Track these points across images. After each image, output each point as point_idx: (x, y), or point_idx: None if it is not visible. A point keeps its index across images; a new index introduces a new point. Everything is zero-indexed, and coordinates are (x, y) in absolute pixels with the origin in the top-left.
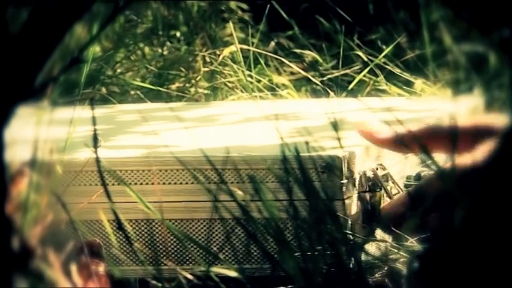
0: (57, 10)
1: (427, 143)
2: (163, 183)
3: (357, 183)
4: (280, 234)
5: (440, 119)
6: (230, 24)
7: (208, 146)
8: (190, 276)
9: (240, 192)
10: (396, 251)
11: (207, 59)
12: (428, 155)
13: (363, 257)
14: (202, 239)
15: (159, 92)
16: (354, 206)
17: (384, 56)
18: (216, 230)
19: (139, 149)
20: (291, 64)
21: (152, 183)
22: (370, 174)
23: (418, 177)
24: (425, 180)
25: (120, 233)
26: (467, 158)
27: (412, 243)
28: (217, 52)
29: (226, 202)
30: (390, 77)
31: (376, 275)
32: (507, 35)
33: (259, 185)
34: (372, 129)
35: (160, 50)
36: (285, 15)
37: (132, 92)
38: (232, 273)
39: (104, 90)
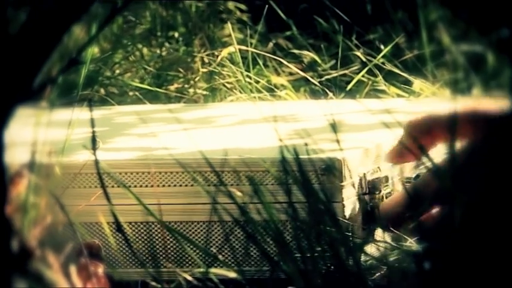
0: (56, 11)
1: (428, 134)
2: (163, 186)
3: (356, 185)
4: (279, 236)
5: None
6: (228, 25)
7: (207, 148)
8: (189, 278)
9: (239, 194)
10: (395, 251)
11: (206, 60)
12: (423, 151)
13: (362, 258)
14: (202, 241)
15: (158, 93)
16: (353, 207)
17: (382, 56)
18: (215, 232)
19: (138, 151)
20: (289, 65)
21: (152, 186)
22: (369, 176)
23: (417, 178)
24: (422, 178)
25: (119, 235)
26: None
27: (411, 243)
28: (216, 53)
29: (225, 204)
30: (389, 77)
31: (376, 276)
32: (506, 35)
33: (258, 186)
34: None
35: (158, 51)
36: (283, 16)
37: (131, 93)
38: (232, 275)
39: (102, 91)
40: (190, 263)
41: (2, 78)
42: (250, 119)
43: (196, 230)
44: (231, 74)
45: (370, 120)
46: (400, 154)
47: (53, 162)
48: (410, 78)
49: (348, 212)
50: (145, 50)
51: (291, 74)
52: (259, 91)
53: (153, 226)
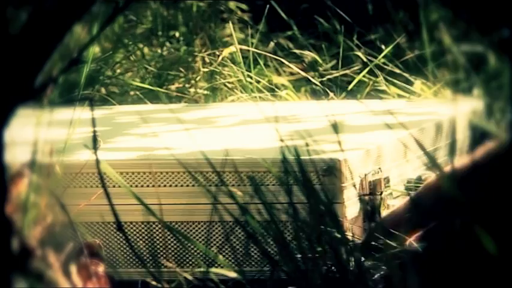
0: (57, 11)
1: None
2: (164, 186)
3: (357, 185)
4: (280, 236)
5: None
6: (230, 25)
7: (208, 148)
8: (190, 278)
9: (239, 194)
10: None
11: (207, 60)
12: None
13: (363, 258)
14: (202, 241)
15: (159, 92)
16: (354, 208)
17: (383, 57)
18: (216, 232)
19: (139, 151)
20: (290, 64)
21: (153, 186)
22: (370, 177)
23: (419, 180)
24: (425, 187)
25: (120, 234)
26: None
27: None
28: (217, 52)
29: (226, 204)
30: (390, 77)
31: (376, 276)
32: (506, 35)
33: (259, 187)
34: None
35: (159, 51)
36: (284, 16)
37: (132, 93)
38: (232, 275)
39: (103, 90)
40: (191, 262)
41: (3, 77)
42: (251, 120)
43: (197, 230)
44: (232, 74)
45: (371, 121)
46: None
47: (53, 161)
48: (411, 78)
49: (348, 213)
50: (146, 50)
51: (291, 73)
52: (260, 91)
53: (153, 226)
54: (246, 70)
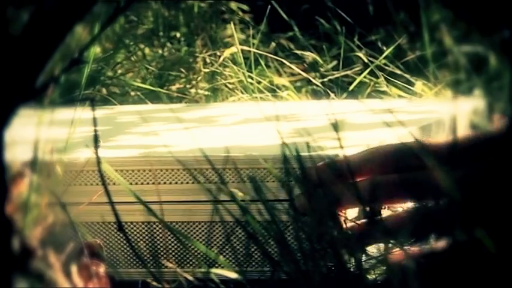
0: (58, 11)
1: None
2: (164, 183)
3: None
4: (280, 236)
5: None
6: (231, 25)
7: (209, 147)
8: (190, 278)
9: (240, 194)
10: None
11: (208, 60)
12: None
13: (363, 258)
14: (203, 241)
15: (160, 93)
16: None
17: (384, 57)
18: (217, 232)
19: (139, 149)
20: (291, 65)
21: (153, 183)
22: None
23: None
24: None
25: (121, 234)
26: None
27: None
28: (218, 53)
29: (226, 204)
30: (391, 78)
31: (376, 276)
32: (508, 36)
33: (260, 186)
34: None
35: (160, 51)
36: (285, 16)
37: (133, 93)
38: (233, 275)
39: (104, 91)
40: (191, 263)
41: (5, 77)
42: (252, 118)
43: (197, 230)
44: (233, 75)
45: (372, 119)
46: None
47: (54, 161)
48: (412, 79)
49: (349, 213)
50: (147, 50)
51: (292, 74)
52: (261, 91)
53: (154, 226)
54: (247, 71)
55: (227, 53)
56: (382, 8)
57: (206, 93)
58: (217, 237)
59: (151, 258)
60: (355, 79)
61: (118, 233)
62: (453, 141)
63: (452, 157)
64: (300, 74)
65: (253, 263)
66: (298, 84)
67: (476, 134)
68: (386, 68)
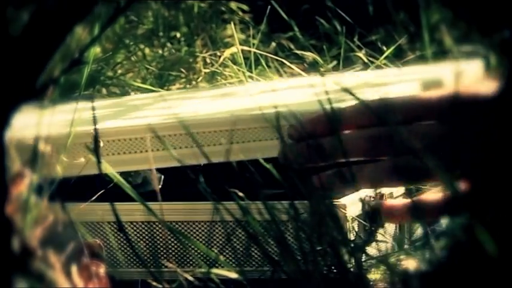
0: (59, 11)
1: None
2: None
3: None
4: (280, 236)
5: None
6: (231, 25)
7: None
8: (191, 278)
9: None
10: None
11: (208, 60)
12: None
13: (364, 258)
14: (203, 241)
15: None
16: (355, 207)
17: (384, 57)
18: (217, 232)
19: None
20: (291, 65)
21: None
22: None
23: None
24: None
25: (121, 234)
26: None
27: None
28: (218, 53)
29: (227, 204)
30: None
31: (377, 277)
32: (507, 36)
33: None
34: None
35: (160, 51)
36: (285, 16)
37: (133, 93)
38: (233, 275)
39: (104, 91)
40: (191, 263)
41: (5, 78)
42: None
43: (197, 230)
44: (233, 75)
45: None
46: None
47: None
48: None
49: (349, 213)
50: (147, 50)
51: (293, 74)
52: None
53: (154, 226)
54: (247, 71)
55: (227, 53)
56: (382, 8)
57: None
58: (218, 237)
59: (151, 258)
60: None
61: (118, 232)
62: (448, 95)
63: (443, 112)
64: (300, 73)
65: (253, 263)
66: None
67: (471, 92)
68: (387, 68)
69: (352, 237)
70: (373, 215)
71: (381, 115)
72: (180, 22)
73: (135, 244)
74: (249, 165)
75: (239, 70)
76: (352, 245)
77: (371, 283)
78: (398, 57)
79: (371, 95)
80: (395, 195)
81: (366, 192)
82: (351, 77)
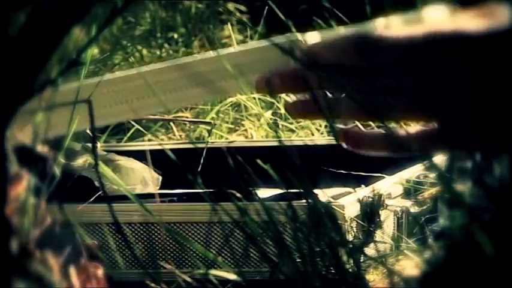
0: (56, 13)
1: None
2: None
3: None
4: (279, 237)
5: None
6: (228, 26)
7: None
8: (189, 279)
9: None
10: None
11: None
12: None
13: (362, 259)
14: (201, 242)
15: None
16: (353, 208)
17: None
18: (215, 233)
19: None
20: None
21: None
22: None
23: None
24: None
25: (119, 235)
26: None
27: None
28: None
29: (225, 205)
30: None
31: (375, 278)
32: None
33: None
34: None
35: (158, 52)
36: (282, 17)
37: None
38: (231, 276)
39: None
40: (189, 264)
41: (3, 79)
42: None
43: (196, 231)
44: None
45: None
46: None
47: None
48: None
49: (347, 213)
50: (144, 51)
51: None
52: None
53: (152, 227)
54: None
55: None
56: (379, 8)
57: None
58: (216, 238)
59: (149, 259)
60: None
61: (116, 234)
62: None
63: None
64: None
65: (252, 264)
66: None
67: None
68: None
69: (350, 237)
70: (371, 216)
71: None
72: (178, 23)
73: (133, 245)
74: (246, 166)
75: None
76: (351, 245)
77: (369, 284)
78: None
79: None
80: (393, 196)
81: (364, 193)
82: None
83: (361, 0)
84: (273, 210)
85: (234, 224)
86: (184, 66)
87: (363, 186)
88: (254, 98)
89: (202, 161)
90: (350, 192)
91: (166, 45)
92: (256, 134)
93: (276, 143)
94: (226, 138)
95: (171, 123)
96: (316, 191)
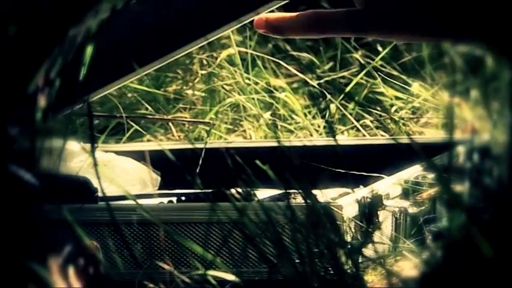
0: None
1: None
2: None
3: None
4: (277, 238)
5: None
6: None
7: None
8: (187, 280)
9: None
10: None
11: (205, 62)
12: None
13: (360, 260)
14: (200, 243)
15: (156, 94)
16: (351, 208)
17: (381, 59)
18: (214, 234)
19: None
20: (288, 66)
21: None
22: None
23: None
24: None
25: (118, 236)
26: None
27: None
28: (215, 54)
29: (223, 205)
30: (387, 79)
31: (374, 278)
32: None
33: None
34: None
35: None
36: None
37: (129, 95)
38: (230, 277)
39: None
40: (188, 264)
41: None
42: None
43: (194, 232)
44: (230, 76)
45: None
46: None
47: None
48: (409, 80)
49: (346, 214)
50: None
51: (289, 75)
52: (258, 93)
53: (151, 227)
54: (244, 72)
55: (224, 54)
56: None
57: (203, 94)
58: (215, 239)
59: (147, 259)
60: (351, 80)
61: (115, 234)
62: None
63: None
64: (296, 75)
65: (250, 265)
66: (295, 85)
67: None
68: (383, 69)
69: (348, 238)
70: (370, 216)
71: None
72: None
73: (132, 245)
74: (245, 166)
75: (236, 71)
76: (349, 246)
77: (368, 284)
78: (394, 59)
79: None
80: (392, 196)
81: (362, 194)
82: None
83: None
84: (272, 210)
85: (232, 225)
86: None
87: (361, 186)
88: (253, 99)
89: (201, 161)
90: (348, 193)
91: None
92: (255, 134)
93: (274, 144)
94: (225, 139)
95: (170, 124)
96: (314, 191)
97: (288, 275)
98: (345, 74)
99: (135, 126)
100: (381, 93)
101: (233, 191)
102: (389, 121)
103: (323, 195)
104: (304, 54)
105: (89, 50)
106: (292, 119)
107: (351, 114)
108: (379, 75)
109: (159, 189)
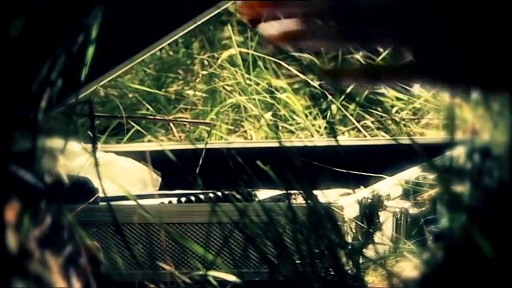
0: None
1: None
2: None
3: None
4: (278, 239)
5: None
6: (228, 27)
7: None
8: (188, 280)
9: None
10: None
11: (205, 62)
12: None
13: (361, 260)
14: (201, 243)
15: (157, 95)
16: (352, 209)
17: (381, 59)
18: (215, 234)
19: None
20: (289, 67)
21: None
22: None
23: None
24: None
25: (118, 236)
26: None
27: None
28: (216, 55)
29: (224, 206)
30: None
31: (374, 279)
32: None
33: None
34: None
35: (158, 53)
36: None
37: (130, 95)
38: (231, 277)
39: (102, 93)
40: (189, 264)
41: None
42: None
43: (195, 232)
44: (231, 76)
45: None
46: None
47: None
48: None
49: (346, 215)
50: None
51: (290, 76)
52: (259, 93)
53: (152, 228)
54: (245, 72)
55: (225, 55)
56: None
57: (204, 95)
58: (215, 239)
59: (148, 260)
60: None
61: (116, 234)
62: None
63: None
64: (297, 75)
65: (251, 265)
66: (296, 86)
67: None
68: None
69: (349, 239)
70: (370, 217)
71: None
72: None
73: (133, 246)
74: (246, 167)
75: (237, 72)
76: (350, 247)
77: (368, 285)
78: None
79: None
80: (393, 197)
81: (363, 194)
82: None
83: None
84: (273, 211)
85: (233, 225)
86: None
87: (362, 187)
88: (254, 100)
89: (201, 162)
90: (349, 194)
91: (166, 46)
92: (255, 135)
93: (275, 144)
94: (226, 139)
95: (171, 124)
96: (315, 192)
97: (289, 275)
98: None
99: (136, 127)
100: (382, 94)
101: (234, 191)
102: (390, 122)
103: (324, 195)
104: (305, 55)
105: (91, 50)
106: (293, 119)
107: (351, 115)
108: None
109: (159, 189)
